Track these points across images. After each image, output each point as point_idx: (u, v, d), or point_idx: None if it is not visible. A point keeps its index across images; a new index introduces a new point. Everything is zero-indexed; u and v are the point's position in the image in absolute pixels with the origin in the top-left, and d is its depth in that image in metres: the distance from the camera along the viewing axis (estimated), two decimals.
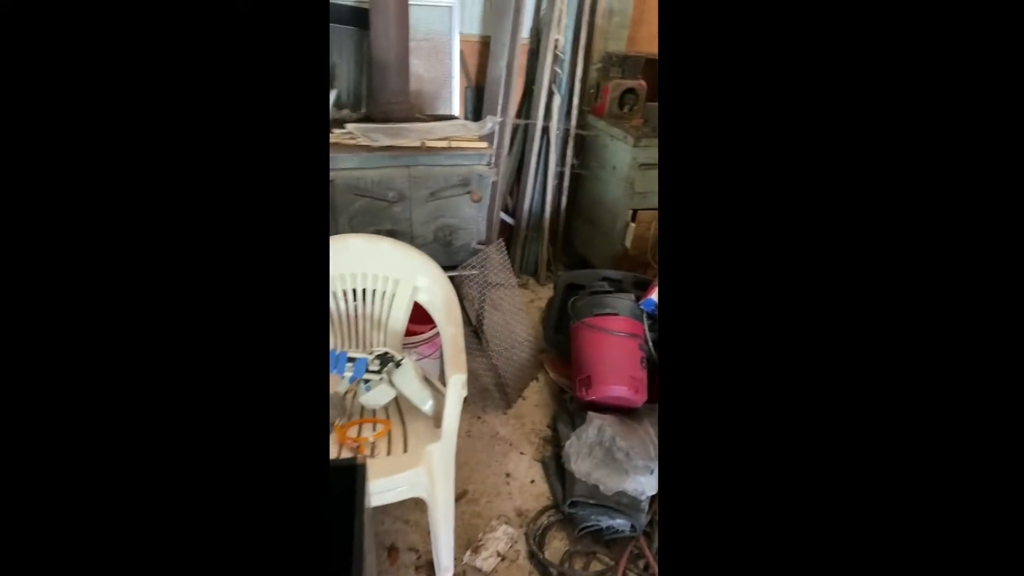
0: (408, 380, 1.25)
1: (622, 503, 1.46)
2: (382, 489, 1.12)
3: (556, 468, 1.65)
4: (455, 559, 1.37)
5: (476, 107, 2.47)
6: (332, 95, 1.68)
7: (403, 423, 1.31)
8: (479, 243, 1.89)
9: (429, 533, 1.38)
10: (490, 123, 1.89)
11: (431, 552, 1.38)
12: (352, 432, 1.26)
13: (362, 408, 1.32)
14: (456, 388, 1.14)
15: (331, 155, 1.63)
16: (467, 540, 1.45)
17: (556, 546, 1.47)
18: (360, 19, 2.05)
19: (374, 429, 1.27)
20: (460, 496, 1.58)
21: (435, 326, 1.83)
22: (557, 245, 2.81)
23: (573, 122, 2.53)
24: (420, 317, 1.80)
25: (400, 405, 1.35)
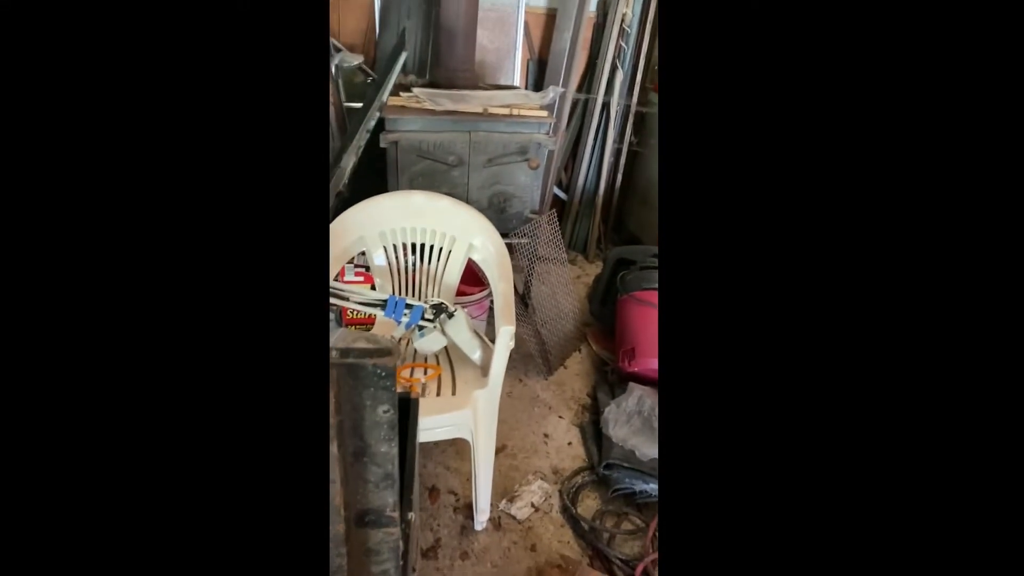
0: (460, 330, 1.31)
1: (656, 469, 1.49)
2: (431, 426, 1.20)
3: (594, 433, 1.70)
4: (491, 505, 1.44)
5: (538, 80, 2.49)
6: (402, 58, 1.75)
7: (452, 370, 1.38)
8: (532, 212, 1.93)
9: (469, 479, 1.46)
10: (552, 93, 1.91)
11: (469, 496, 1.46)
12: (406, 373, 1.34)
13: (415, 352, 1.40)
14: (505, 338, 1.19)
15: (396, 117, 1.70)
16: (503, 490, 1.53)
17: (589, 504, 1.52)
18: None
19: (425, 373, 1.35)
20: (499, 450, 1.65)
21: (485, 288, 1.90)
22: (609, 223, 2.82)
23: (635, 99, 2.51)
24: (471, 279, 1.88)
25: (450, 354, 1.43)
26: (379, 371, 0.44)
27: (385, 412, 0.46)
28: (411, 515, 0.82)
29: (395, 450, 0.48)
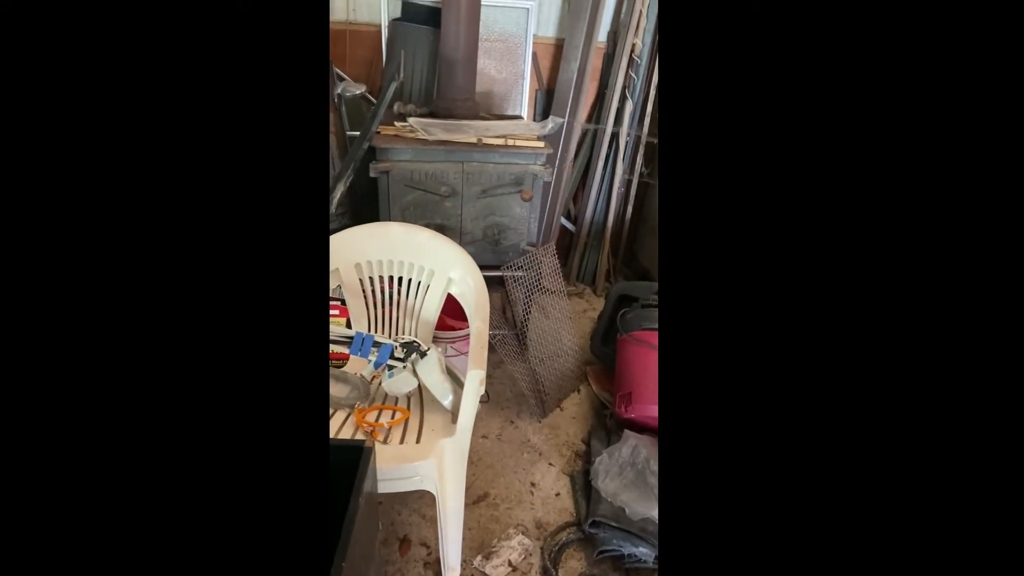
0: (431, 371, 1.23)
1: (647, 531, 1.36)
2: (393, 476, 1.11)
3: (584, 484, 1.57)
4: (464, 561, 1.33)
5: (545, 109, 2.45)
6: (392, 88, 1.72)
7: (422, 414, 1.29)
8: (528, 244, 1.86)
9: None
10: (551, 123, 1.85)
11: None
12: (371, 417, 1.26)
13: (385, 395, 1.32)
14: (473, 383, 1.11)
15: (388, 146, 1.66)
16: (481, 543, 1.41)
17: (572, 566, 1.39)
18: (435, 19, 2.09)
19: (392, 416, 1.26)
20: (481, 498, 1.54)
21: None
22: (619, 256, 2.72)
23: (645, 129, 2.44)
24: (459, 314, 1.80)
25: (423, 396, 1.34)
26: None
27: None
28: (343, 565, 0.74)
29: None
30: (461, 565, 1.30)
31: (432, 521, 1.46)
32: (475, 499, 1.54)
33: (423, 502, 1.51)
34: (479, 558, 1.37)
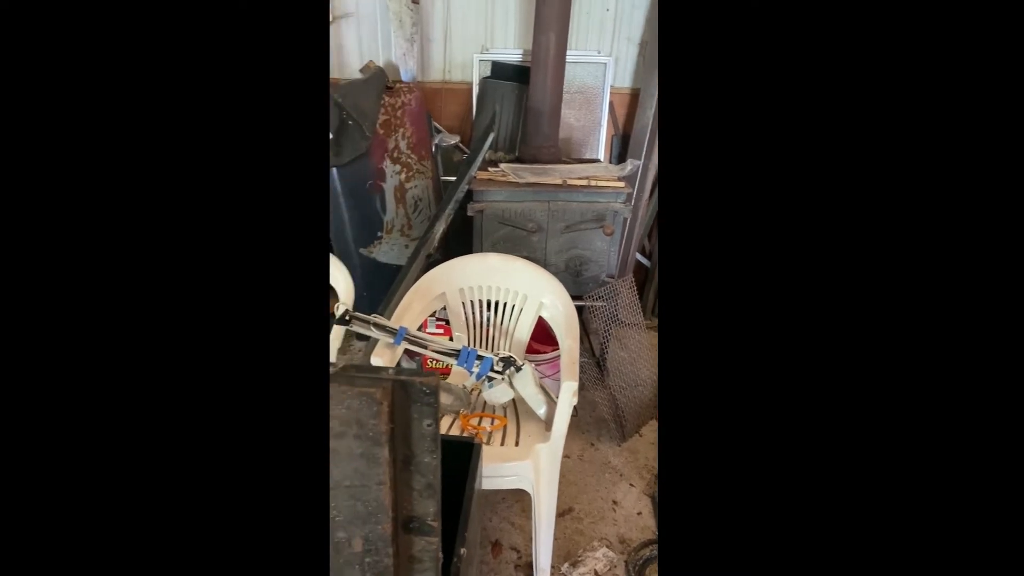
0: (527, 383, 1.38)
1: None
2: (493, 474, 1.24)
3: None
4: (553, 566, 1.42)
5: (621, 153, 2.62)
6: (489, 139, 1.95)
7: (518, 423, 1.43)
8: (608, 276, 1.99)
9: (532, 539, 1.46)
10: (630, 165, 2.01)
11: (531, 555, 1.45)
12: (473, 421, 1.41)
13: (484, 404, 1.48)
14: (567, 393, 1.24)
15: (483, 189, 1.88)
16: (567, 553, 1.50)
17: None
18: (520, 75, 2.35)
19: (492, 423, 1.41)
20: (565, 512, 1.64)
21: (558, 348, 1.95)
22: None
23: None
24: (545, 338, 1.94)
25: (517, 407, 1.48)
26: (424, 388, 0.52)
27: (428, 426, 0.54)
28: (463, 551, 0.86)
29: (437, 462, 0.54)
30: (550, 571, 1.40)
31: (521, 528, 1.57)
32: (560, 512, 1.63)
33: (512, 511, 1.63)
34: (566, 565, 1.46)
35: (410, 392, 0.52)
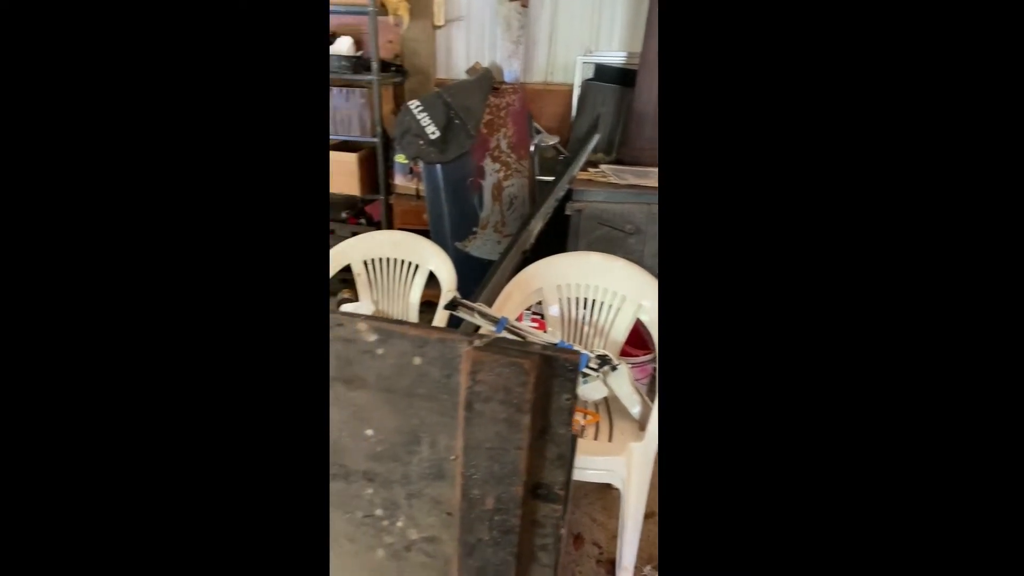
0: (622, 383, 1.39)
1: None
2: (585, 466, 1.27)
3: None
4: (635, 567, 1.42)
5: None
6: (594, 140, 1.98)
7: (610, 420, 1.44)
8: None
9: (614, 536, 1.47)
10: None
11: (613, 553, 1.46)
12: None
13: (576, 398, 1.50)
14: None
15: (583, 189, 1.91)
16: (649, 556, 1.49)
17: None
18: (624, 79, 2.35)
19: (585, 417, 1.44)
20: (650, 515, 1.63)
21: (650, 352, 1.94)
22: None
23: None
24: (637, 342, 1.94)
25: (609, 405, 1.50)
26: (567, 364, 0.56)
27: (567, 400, 0.57)
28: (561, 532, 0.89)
29: (570, 434, 0.58)
30: (633, 571, 1.40)
31: (603, 526, 1.59)
32: (647, 514, 1.63)
33: (594, 508, 1.64)
34: (649, 567, 1.45)
35: (554, 366, 0.56)
